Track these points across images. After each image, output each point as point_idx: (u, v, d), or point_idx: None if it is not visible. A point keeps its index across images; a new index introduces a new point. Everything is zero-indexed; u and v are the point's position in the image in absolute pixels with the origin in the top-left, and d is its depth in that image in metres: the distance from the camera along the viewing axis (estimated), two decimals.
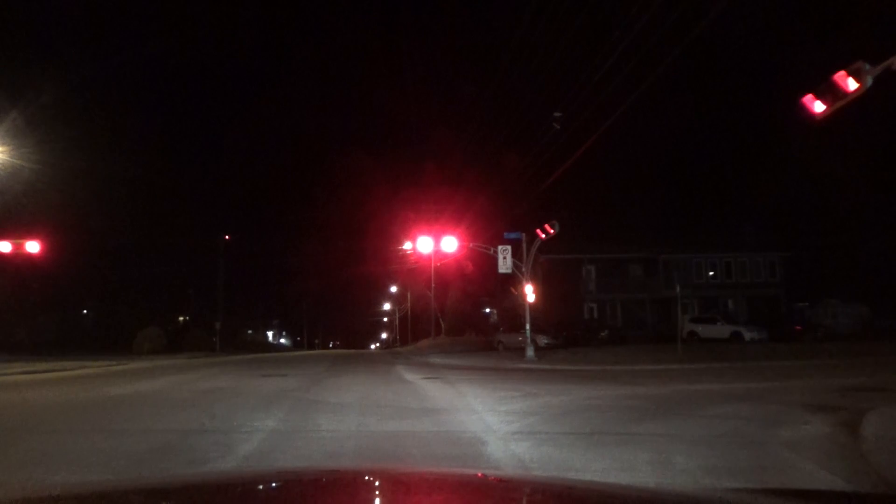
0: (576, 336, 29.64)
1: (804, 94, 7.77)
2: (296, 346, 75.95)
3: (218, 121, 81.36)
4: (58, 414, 8.46)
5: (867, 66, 7.35)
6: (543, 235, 19.68)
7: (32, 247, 20.66)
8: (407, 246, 36.24)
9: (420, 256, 38.03)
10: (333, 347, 76.04)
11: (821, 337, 28.10)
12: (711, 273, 38.37)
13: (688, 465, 4.77)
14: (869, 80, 7.35)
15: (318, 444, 5.85)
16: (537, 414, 7.62)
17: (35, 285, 35.40)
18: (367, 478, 2.02)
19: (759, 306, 36.89)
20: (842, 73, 7.48)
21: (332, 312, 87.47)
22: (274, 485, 1.85)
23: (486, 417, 7.32)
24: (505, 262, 21.18)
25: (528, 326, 20.87)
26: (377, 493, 1.75)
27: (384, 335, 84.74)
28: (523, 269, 21.13)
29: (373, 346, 78.76)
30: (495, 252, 21.47)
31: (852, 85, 7.42)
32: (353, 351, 47.39)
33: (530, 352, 20.02)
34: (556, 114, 16.68)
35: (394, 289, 61.45)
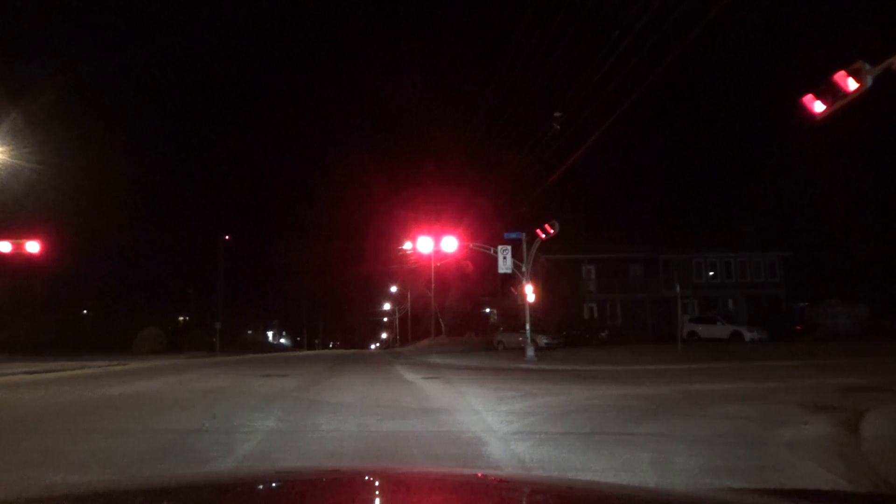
0: (576, 336, 29.66)
1: (804, 94, 7.78)
2: (296, 346, 75.95)
3: (218, 121, 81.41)
4: (58, 414, 8.46)
5: (867, 66, 7.35)
6: (543, 235, 19.68)
7: (32, 247, 20.66)
8: (407, 246, 36.26)
9: (420, 256, 38.05)
10: (333, 347, 76.06)
11: (821, 337, 28.10)
12: (711, 273, 38.36)
13: (688, 464, 4.77)
14: (869, 80, 7.35)
15: (318, 444, 5.85)
16: (537, 414, 7.62)
17: (35, 285, 35.41)
18: (367, 478, 2.01)
19: (759, 306, 36.88)
20: (842, 73, 7.48)
21: (332, 312, 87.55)
22: (274, 485, 1.85)
23: (486, 417, 7.32)
24: (505, 262, 21.18)
25: (528, 326, 20.87)
26: (377, 492, 1.75)
27: (384, 335, 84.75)
28: (523, 269, 21.12)
29: (373, 346, 78.78)
30: (495, 252, 21.47)
31: (852, 85, 7.43)
32: (353, 351, 47.39)
33: (530, 352, 20.02)
34: (557, 114, 16.69)
35: (394, 289, 61.48)
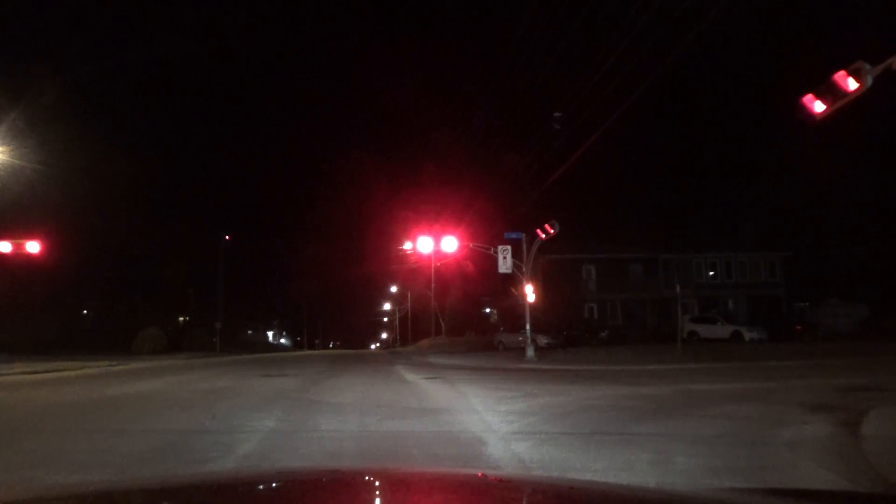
0: (576, 336, 29.65)
1: (804, 94, 7.77)
2: (296, 346, 75.91)
3: (218, 121, 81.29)
4: (58, 414, 8.46)
5: (867, 66, 7.35)
6: (544, 235, 19.68)
7: (32, 247, 20.65)
8: (407, 246, 36.23)
9: (420, 256, 38.04)
10: (333, 347, 76.04)
11: (821, 337, 28.09)
12: (711, 273, 38.36)
13: (688, 464, 4.77)
14: (869, 80, 7.35)
15: (318, 444, 5.85)
16: (537, 414, 7.62)
17: (35, 285, 35.37)
18: (367, 478, 2.01)
19: (759, 306, 36.88)
20: (842, 73, 7.47)
21: (333, 312, 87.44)
22: (274, 485, 1.85)
23: (486, 417, 7.32)
24: (505, 262, 21.18)
25: (528, 326, 20.87)
26: (377, 493, 1.75)
27: (384, 335, 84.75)
28: (523, 269, 21.12)
29: (373, 346, 78.75)
30: (495, 252, 21.47)
31: (852, 85, 7.42)
32: (353, 351, 47.39)
33: (530, 352, 20.02)
34: (557, 114, 16.70)
35: (394, 289, 61.50)
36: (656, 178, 63.36)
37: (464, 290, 42.13)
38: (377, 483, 1.87)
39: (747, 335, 26.50)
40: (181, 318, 53.61)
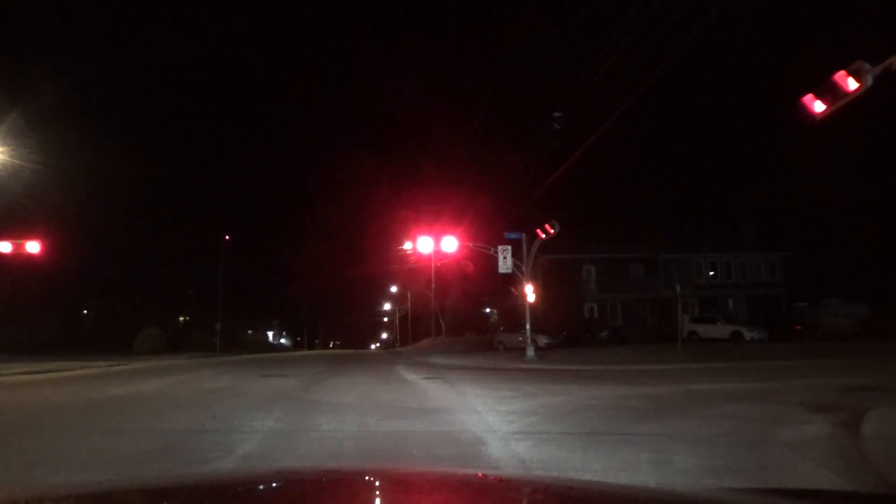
0: (576, 336, 29.64)
1: (804, 94, 7.77)
2: (296, 346, 75.92)
3: (218, 121, 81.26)
4: (58, 414, 8.46)
5: (867, 66, 7.35)
6: (544, 235, 19.67)
7: (32, 247, 20.65)
8: (407, 246, 36.25)
9: (420, 256, 38.06)
10: (334, 347, 76.01)
11: (821, 337, 28.09)
12: (711, 273, 38.35)
13: (688, 464, 4.77)
14: (869, 80, 7.35)
15: (318, 444, 5.85)
16: (538, 414, 7.63)
17: (35, 285, 35.36)
18: (367, 478, 2.01)
19: (759, 306, 36.86)
20: (842, 72, 7.47)
21: (333, 312, 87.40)
22: (274, 485, 1.85)
23: (486, 417, 7.32)
24: (505, 262, 21.18)
25: (528, 326, 20.87)
26: (377, 493, 1.75)
27: (384, 335, 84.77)
28: (523, 269, 21.12)
29: (373, 346, 78.75)
30: (495, 252, 21.46)
31: (852, 85, 7.42)
32: (353, 351, 47.38)
33: (530, 352, 20.02)
34: (556, 114, 16.69)
35: (394, 289, 61.52)
36: (656, 178, 63.38)
37: (464, 290, 42.14)
38: (377, 483, 1.88)
39: (747, 335, 26.49)
40: (181, 318, 53.60)
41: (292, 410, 8.10)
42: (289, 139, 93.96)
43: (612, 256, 37.01)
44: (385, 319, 78.41)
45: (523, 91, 22.84)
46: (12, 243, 20.51)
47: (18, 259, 22.17)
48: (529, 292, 20.97)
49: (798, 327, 30.47)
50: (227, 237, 45.56)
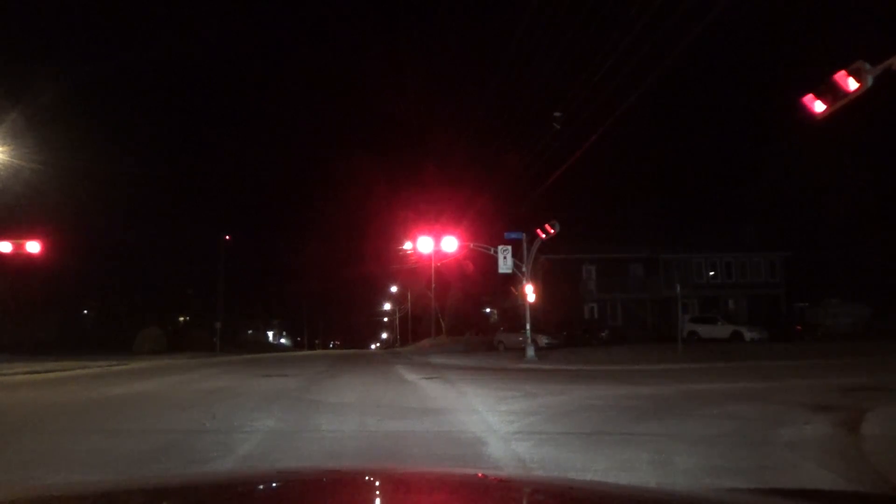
0: (576, 336, 29.64)
1: (804, 93, 7.77)
2: (296, 346, 75.92)
3: (218, 121, 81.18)
4: (58, 414, 8.46)
5: (867, 66, 7.35)
6: (544, 235, 19.67)
7: (32, 247, 20.65)
8: (407, 246, 36.20)
9: (420, 256, 38.04)
10: (334, 347, 76.01)
11: (821, 337, 28.09)
12: (711, 273, 38.34)
13: (688, 464, 4.77)
14: (869, 80, 7.35)
15: (318, 444, 5.86)
16: (538, 414, 7.63)
17: (35, 285, 35.37)
18: (367, 478, 2.01)
19: (759, 306, 36.85)
20: (842, 72, 7.47)
21: (333, 312, 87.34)
22: (274, 485, 1.85)
23: (486, 417, 7.32)
24: (505, 263, 21.17)
25: (528, 326, 20.86)
26: (377, 493, 1.74)
27: (384, 335, 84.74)
28: (524, 269, 21.12)
29: (373, 346, 78.74)
30: (496, 252, 21.46)
31: (853, 85, 7.42)
32: (353, 351, 47.39)
33: (531, 352, 20.02)
34: (557, 114, 16.68)
35: (394, 289, 61.52)
36: (656, 179, 63.27)
37: (464, 290, 42.15)
38: (377, 483, 1.87)
39: (747, 335, 26.49)
40: (181, 318, 53.62)
41: (292, 410, 8.10)
42: (289, 139, 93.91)
43: (612, 256, 37.00)
44: (385, 319, 78.43)
45: (523, 91, 22.85)
46: (12, 243, 20.50)
47: (18, 259, 22.16)
48: (529, 292, 20.97)
49: (798, 327, 30.48)
50: (227, 237, 45.58)
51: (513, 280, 25.39)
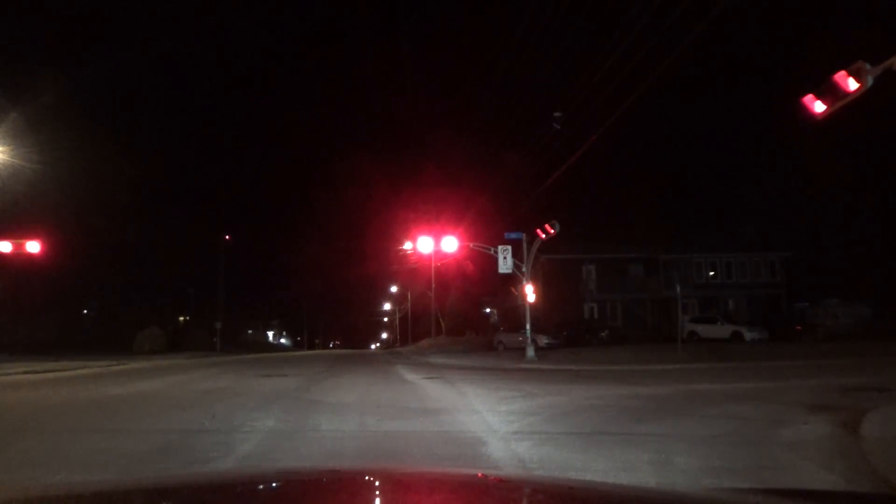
0: (576, 336, 29.63)
1: (804, 94, 7.77)
2: (296, 346, 75.93)
3: (218, 121, 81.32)
4: (58, 414, 8.46)
5: (867, 66, 7.34)
6: (544, 235, 19.67)
7: (33, 247, 20.65)
8: (407, 246, 36.24)
9: (420, 256, 38.04)
10: (334, 347, 76.03)
11: (821, 337, 28.05)
12: (711, 273, 38.33)
13: (688, 465, 4.77)
14: (869, 80, 7.35)
15: (318, 444, 5.86)
16: (538, 414, 7.62)
17: (35, 285, 35.38)
18: (367, 478, 2.01)
19: (759, 306, 36.84)
20: (842, 73, 7.47)
21: (333, 312, 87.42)
22: (274, 485, 1.85)
23: (486, 417, 7.32)
24: (505, 263, 21.17)
25: (528, 326, 20.86)
26: (377, 493, 1.75)
27: (384, 335, 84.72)
28: (524, 270, 21.12)
29: (373, 346, 78.72)
30: (496, 252, 21.46)
31: (853, 85, 7.42)
32: (353, 351, 47.39)
33: (531, 352, 20.01)
34: (557, 114, 16.68)
35: (394, 289, 61.50)
36: (656, 178, 63.29)
37: (464, 290, 42.15)
38: (377, 483, 1.87)
39: (747, 335, 26.48)
40: (181, 318, 53.62)
41: (292, 410, 8.10)
42: (289, 139, 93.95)
43: (612, 256, 37.00)
44: (385, 319, 78.41)
45: (523, 91, 22.85)
46: (12, 243, 20.50)
47: (18, 259, 22.15)
48: (529, 292, 20.97)
49: (798, 327, 30.43)
50: (227, 237, 45.59)
51: (513, 280, 25.39)
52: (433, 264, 39.00)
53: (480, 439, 5.94)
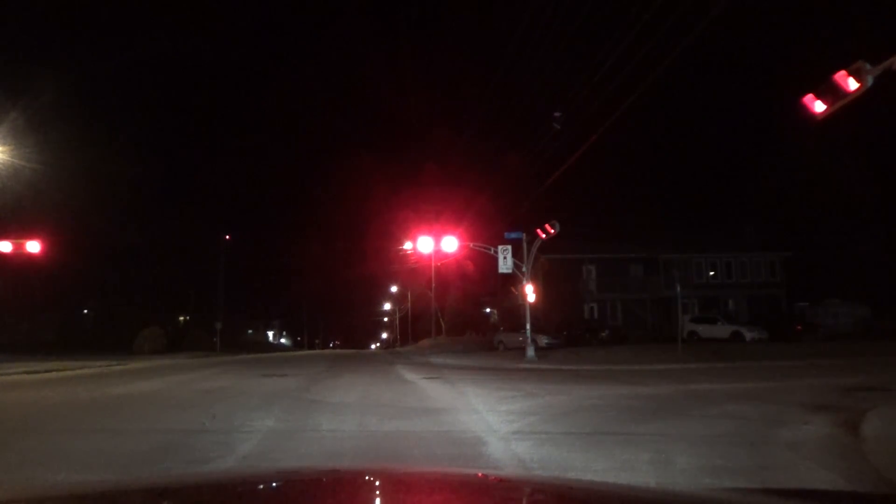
0: (576, 336, 29.64)
1: (804, 94, 7.77)
2: (296, 345, 75.95)
3: (218, 120, 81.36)
4: (58, 414, 8.46)
5: (867, 66, 7.34)
6: (544, 235, 19.67)
7: (33, 247, 20.66)
8: (407, 246, 36.26)
9: (420, 256, 38.05)
10: (334, 347, 76.04)
11: (821, 337, 28.07)
12: (712, 273, 38.34)
13: (688, 464, 4.77)
14: (869, 80, 7.34)
15: (318, 444, 5.86)
16: (538, 414, 7.62)
17: (35, 285, 35.38)
18: (367, 478, 2.01)
19: (759, 306, 36.85)
20: (842, 72, 7.47)
21: (333, 312, 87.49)
22: (274, 485, 1.85)
23: (486, 417, 7.32)
24: (505, 262, 21.18)
25: (528, 326, 20.86)
26: (377, 492, 1.75)
27: (384, 335, 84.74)
28: (524, 269, 21.12)
29: (373, 346, 78.76)
30: (496, 252, 21.46)
31: (853, 85, 7.42)
32: (353, 351, 47.39)
33: (531, 352, 20.01)
34: (557, 113, 16.68)
35: (394, 289, 61.51)
36: (657, 178, 63.35)
37: (464, 290, 42.16)
38: (377, 483, 1.87)
39: (748, 335, 26.49)
40: (181, 318, 53.62)
41: (292, 410, 8.10)
42: (289, 139, 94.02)
43: (612, 256, 37.00)
44: (385, 319, 78.43)
45: (524, 91, 22.86)
46: (12, 243, 20.51)
47: (18, 259, 22.15)
48: (529, 292, 20.97)
49: (798, 327, 30.46)
50: (227, 237, 45.60)
51: (513, 280, 25.39)
52: (433, 264, 39.01)
53: (480, 439, 5.94)
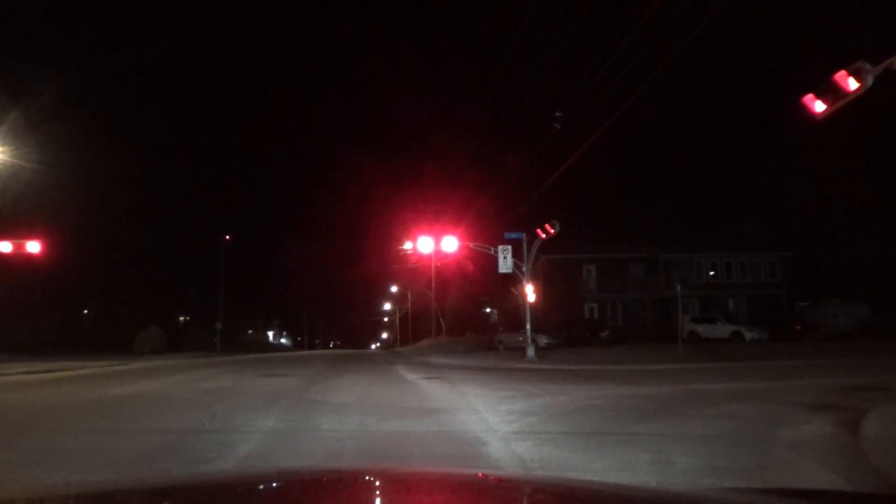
0: (576, 336, 29.63)
1: (804, 93, 7.77)
2: (296, 346, 75.95)
3: (219, 121, 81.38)
4: (58, 414, 8.46)
5: (867, 66, 7.34)
6: (544, 235, 19.67)
7: (33, 247, 20.65)
8: (407, 246, 36.25)
9: (420, 256, 38.07)
10: (334, 347, 76.06)
11: (821, 337, 28.05)
12: (712, 273, 38.33)
13: (688, 464, 4.77)
14: (869, 80, 7.34)
15: (318, 444, 5.86)
16: (538, 414, 7.62)
17: (35, 285, 35.37)
18: (367, 478, 2.01)
19: (759, 306, 36.84)
20: (842, 72, 7.47)
21: (333, 312, 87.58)
22: (274, 485, 1.85)
23: (486, 417, 7.32)
24: (505, 262, 21.18)
25: (528, 326, 20.86)
26: (378, 492, 1.75)
27: (385, 335, 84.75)
28: (524, 269, 21.12)
29: (373, 346, 78.77)
30: (496, 252, 21.46)
31: (853, 85, 7.42)
32: (353, 351, 47.39)
33: (531, 352, 20.01)
34: (557, 113, 16.66)
35: (394, 289, 61.52)
36: (657, 178, 63.32)
37: (464, 290, 42.14)
38: (377, 483, 1.87)
39: (748, 335, 26.48)
40: (181, 318, 53.62)
41: (292, 410, 8.10)
42: (289, 139, 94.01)
43: (612, 256, 36.99)
44: (385, 319, 78.45)
45: (524, 91, 22.85)
46: (12, 243, 20.50)
47: (18, 259, 22.15)
48: (529, 292, 20.97)
49: (798, 327, 30.44)
50: (227, 237, 45.59)
51: (513, 280, 25.37)
52: (433, 264, 39.01)
53: (480, 439, 5.94)
